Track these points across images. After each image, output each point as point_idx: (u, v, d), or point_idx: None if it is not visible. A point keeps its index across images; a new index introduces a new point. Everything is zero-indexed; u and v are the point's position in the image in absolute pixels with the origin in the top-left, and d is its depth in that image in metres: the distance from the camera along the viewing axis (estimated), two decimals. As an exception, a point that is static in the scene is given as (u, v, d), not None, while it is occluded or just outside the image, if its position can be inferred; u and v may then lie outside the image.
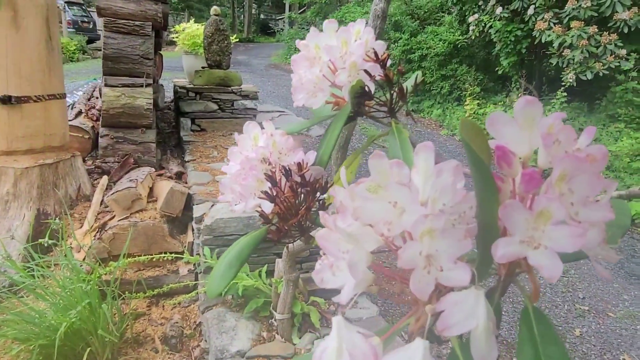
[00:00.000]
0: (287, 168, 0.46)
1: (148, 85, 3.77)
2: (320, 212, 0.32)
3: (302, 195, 0.46)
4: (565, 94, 5.80)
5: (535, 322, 0.31)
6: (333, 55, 0.49)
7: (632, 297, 3.38)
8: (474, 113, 6.87)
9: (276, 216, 0.46)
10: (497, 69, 7.33)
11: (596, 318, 3.12)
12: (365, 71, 0.49)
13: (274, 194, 0.45)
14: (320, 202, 0.47)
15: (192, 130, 4.76)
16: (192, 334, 2.37)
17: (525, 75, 6.98)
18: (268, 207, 0.46)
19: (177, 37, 6.11)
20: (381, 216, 0.30)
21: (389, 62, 0.50)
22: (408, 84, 0.53)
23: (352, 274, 0.28)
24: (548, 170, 0.32)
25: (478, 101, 7.21)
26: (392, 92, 0.50)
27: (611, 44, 5.44)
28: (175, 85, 5.30)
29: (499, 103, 6.92)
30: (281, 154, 0.48)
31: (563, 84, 5.82)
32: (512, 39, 6.59)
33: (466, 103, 7.32)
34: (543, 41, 6.01)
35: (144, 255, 2.44)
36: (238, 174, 0.47)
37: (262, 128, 0.49)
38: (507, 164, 0.32)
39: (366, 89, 0.49)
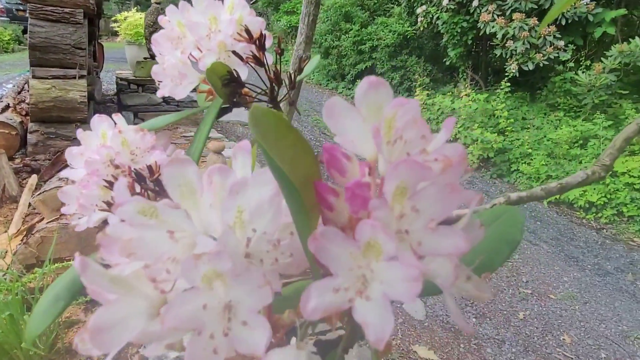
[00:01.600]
0: (138, 172, 0.38)
1: (82, 76, 3.53)
2: (99, 236, 0.24)
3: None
4: (509, 84, 5.97)
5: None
6: (198, 34, 0.41)
7: (571, 279, 3.52)
8: (424, 103, 6.96)
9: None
10: (445, 59, 7.45)
11: (538, 300, 3.23)
12: (235, 53, 0.42)
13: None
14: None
15: (135, 124, 4.56)
16: (131, 341, 2.24)
17: (472, 66, 7.14)
18: (115, 220, 0.38)
19: (119, 27, 5.81)
20: (163, 251, 0.22)
21: (269, 42, 0.43)
22: (293, 69, 0.46)
23: (99, 344, 0.20)
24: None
25: (427, 92, 7.32)
26: (270, 78, 0.43)
27: (550, 35, 5.64)
28: (117, 77, 5.06)
29: (448, 93, 7.05)
30: (135, 155, 0.40)
31: (507, 74, 5.99)
32: (459, 30, 6.71)
33: (416, 94, 7.41)
34: (487, 33, 6.15)
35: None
36: (82, 181, 0.38)
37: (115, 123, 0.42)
38: (338, 172, 0.23)
39: (234, 74, 0.41)
